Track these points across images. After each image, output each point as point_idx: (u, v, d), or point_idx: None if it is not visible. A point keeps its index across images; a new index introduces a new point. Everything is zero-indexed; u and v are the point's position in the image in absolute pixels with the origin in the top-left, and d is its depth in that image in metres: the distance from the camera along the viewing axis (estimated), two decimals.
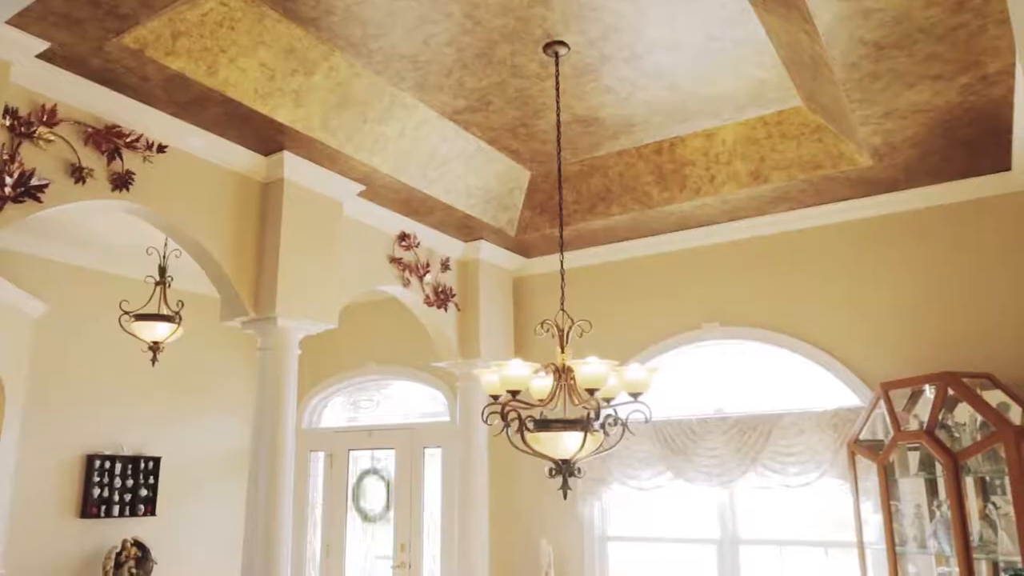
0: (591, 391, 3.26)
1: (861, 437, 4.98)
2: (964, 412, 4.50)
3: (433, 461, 7.16)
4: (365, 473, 7.61)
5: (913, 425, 4.73)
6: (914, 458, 4.75)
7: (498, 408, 3.30)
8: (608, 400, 3.46)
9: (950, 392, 4.46)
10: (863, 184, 5.13)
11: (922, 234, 5.23)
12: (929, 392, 4.68)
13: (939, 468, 4.42)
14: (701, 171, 5.24)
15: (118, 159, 4.01)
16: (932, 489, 4.69)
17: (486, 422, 3.36)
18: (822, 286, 5.54)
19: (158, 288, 5.55)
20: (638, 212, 5.60)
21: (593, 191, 5.66)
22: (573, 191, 5.71)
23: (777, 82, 4.43)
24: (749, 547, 5.66)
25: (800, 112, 4.74)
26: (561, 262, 3.57)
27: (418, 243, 5.90)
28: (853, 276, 5.44)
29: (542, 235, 6.13)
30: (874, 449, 4.87)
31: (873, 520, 4.98)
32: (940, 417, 4.48)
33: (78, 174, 3.84)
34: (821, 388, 5.50)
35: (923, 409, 4.71)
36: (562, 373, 3.43)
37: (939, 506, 4.52)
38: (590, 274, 6.51)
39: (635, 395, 3.47)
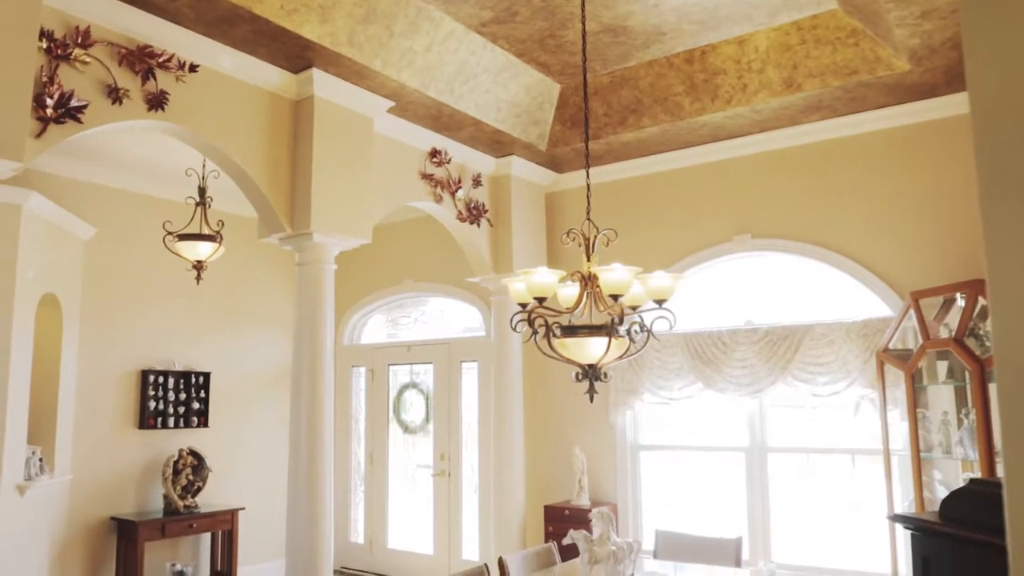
0: (615, 297, 3.33)
1: (891, 346, 5.01)
2: None
3: (470, 374, 7.38)
4: (405, 387, 7.88)
5: (943, 334, 4.74)
6: (943, 367, 4.77)
7: (526, 315, 3.41)
8: (634, 308, 3.54)
9: (981, 300, 4.44)
10: (900, 90, 5.00)
11: (959, 140, 5.10)
12: (960, 300, 4.67)
13: (968, 376, 4.44)
14: (733, 80, 5.15)
15: (152, 79, 4.10)
16: (961, 397, 4.73)
17: (514, 329, 3.46)
18: (854, 196, 5.48)
19: (198, 209, 5.70)
20: (669, 124, 5.55)
21: (623, 103, 5.60)
22: (603, 104, 5.66)
23: None
24: (777, 455, 5.79)
25: (835, 15, 4.60)
26: (587, 171, 3.60)
27: (449, 159, 5.94)
28: (887, 185, 5.36)
29: (573, 149, 6.12)
30: (903, 358, 4.90)
31: (900, 428, 5.06)
32: (970, 325, 4.47)
33: (114, 95, 3.94)
34: (851, 299, 5.51)
35: (954, 318, 4.70)
36: (588, 281, 3.50)
37: (967, 414, 4.56)
38: (621, 188, 6.51)
39: (660, 302, 3.54)
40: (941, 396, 4.86)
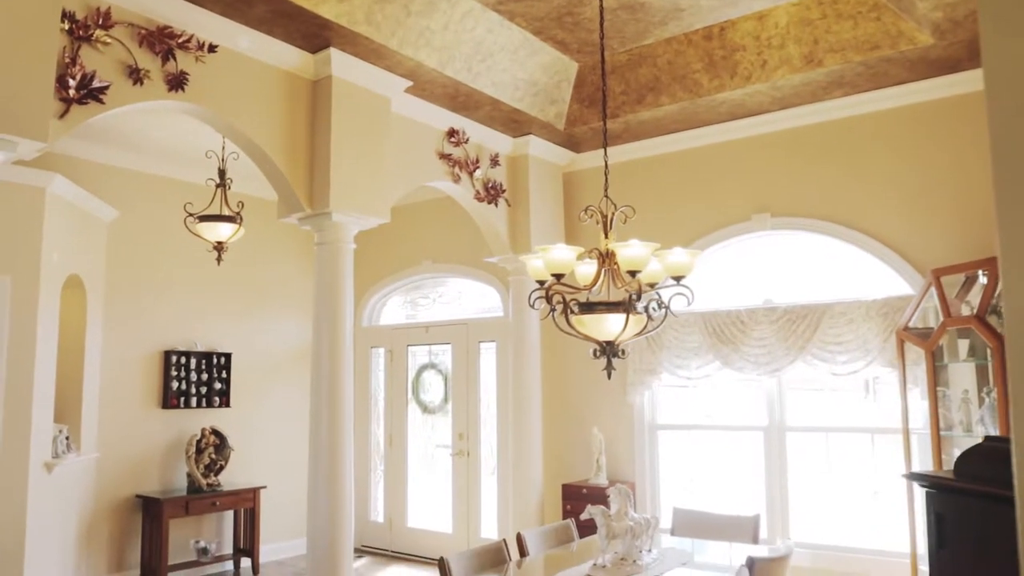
0: (632, 273, 3.33)
1: (911, 325, 4.97)
2: None
3: (488, 355, 7.41)
4: (423, 367, 7.93)
5: (965, 311, 4.70)
6: (964, 345, 4.74)
7: (544, 292, 3.42)
8: (652, 285, 3.54)
9: None
10: (923, 65, 4.93)
11: (983, 116, 5.01)
12: (982, 278, 4.63)
13: (990, 354, 4.41)
14: (752, 56, 5.10)
15: (172, 60, 4.13)
16: (982, 375, 4.70)
17: (532, 306, 3.48)
18: (875, 173, 5.42)
19: (218, 190, 5.74)
20: (687, 102, 5.51)
21: (641, 81, 5.57)
22: (621, 82, 5.63)
23: None
24: (796, 434, 5.78)
25: None
26: (604, 148, 3.59)
27: (467, 139, 5.94)
28: (908, 162, 5.30)
29: (591, 128, 6.10)
30: (924, 337, 4.87)
31: (920, 407, 5.03)
32: (993, 302, 4.43)
33: (136, 75, 3.97)
34: (871, 277, 5.47)
35: (976, 296, 4.66)
36: (606, 258, 3.51)
37: (988, 392, 4.53)
38: (639, 167, 6.48)
39: (678, 279, 3.54)
40: (962, 374, 4.83)
